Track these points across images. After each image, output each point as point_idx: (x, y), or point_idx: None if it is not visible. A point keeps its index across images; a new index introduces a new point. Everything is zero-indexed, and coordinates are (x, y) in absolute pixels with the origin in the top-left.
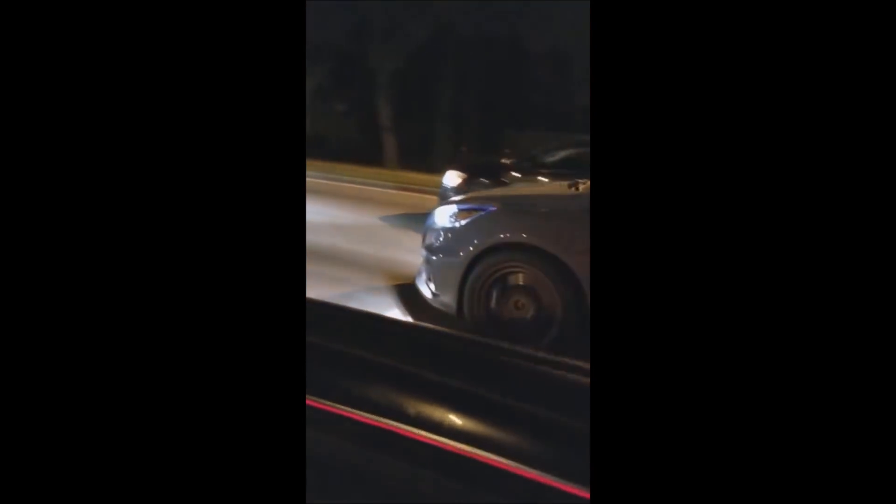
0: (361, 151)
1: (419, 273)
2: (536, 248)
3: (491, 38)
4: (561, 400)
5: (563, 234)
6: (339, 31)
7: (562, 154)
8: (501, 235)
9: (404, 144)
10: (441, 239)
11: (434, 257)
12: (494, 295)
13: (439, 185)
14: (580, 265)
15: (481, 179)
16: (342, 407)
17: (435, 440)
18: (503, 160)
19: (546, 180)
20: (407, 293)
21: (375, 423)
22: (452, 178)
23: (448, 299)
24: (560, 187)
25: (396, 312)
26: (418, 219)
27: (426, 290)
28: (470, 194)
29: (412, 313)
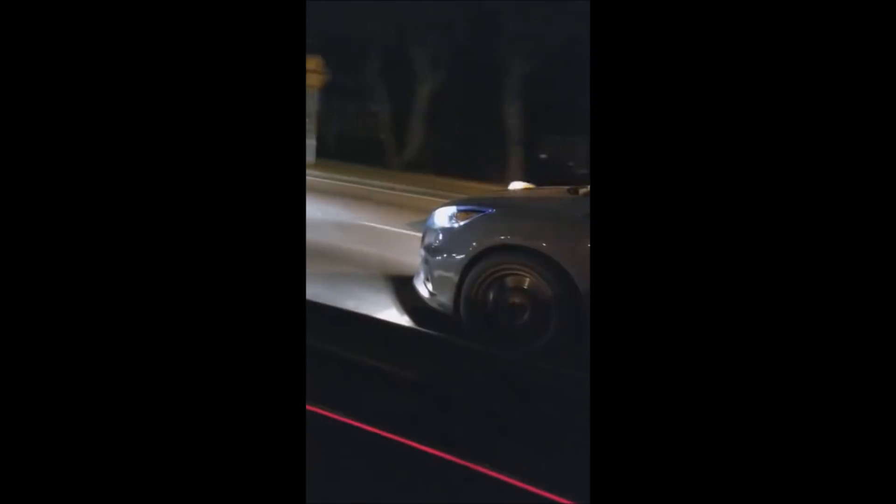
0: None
1: (417, 273)
2: (534, 250)
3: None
4: (560, 410)
5: (561, 238)
6: (387, 30)
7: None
8: (499, 237)
9: (456, 152)
10: (440, 239)
11: (432, 257)
12: (491, 296)
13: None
14: (577, 269)
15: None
16: (335, 412)
17: (429, 449)
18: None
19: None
20: (405, 292)
21: (366, 428)
22: (517, 187)
23: (445, 299)
24: (559, 191)
25: (393, 311)
26: None
27: (424, 289)
28: (470, 196)
29: (409, 313)
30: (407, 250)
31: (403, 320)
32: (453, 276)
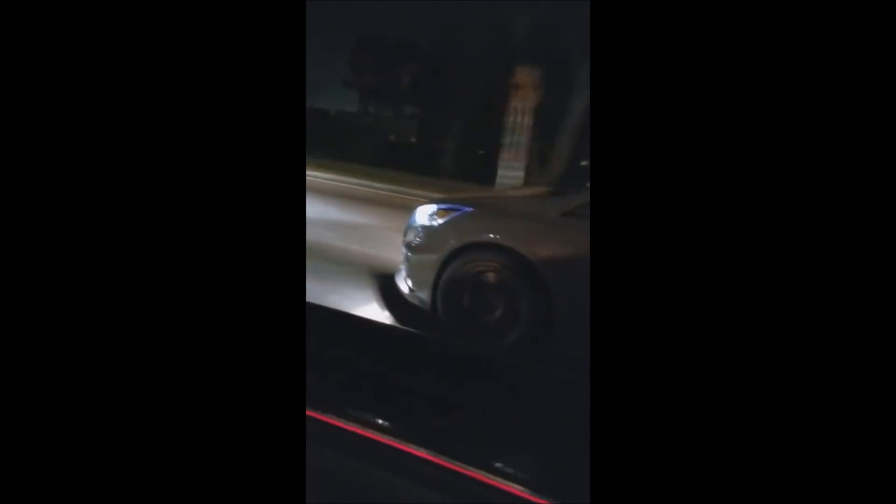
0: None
1: (399, 269)
2: (507, 248)
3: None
4: (558, 412)
5: (534, 237)
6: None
7: None
8: (476, 235)
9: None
10: (419, 237)
11: (412, 254)
12: (467, 292)
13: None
14: (548, 267)
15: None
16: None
17: (413, 449)
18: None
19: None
20: (387, 289)
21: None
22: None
23: (424, 295)
24: (537, 191)
25: (375, 307)
26: None
27: (404, 286)
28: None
29: (390, 309)
30: (393, 248)
31: (384, 315)
32: (431, 272)
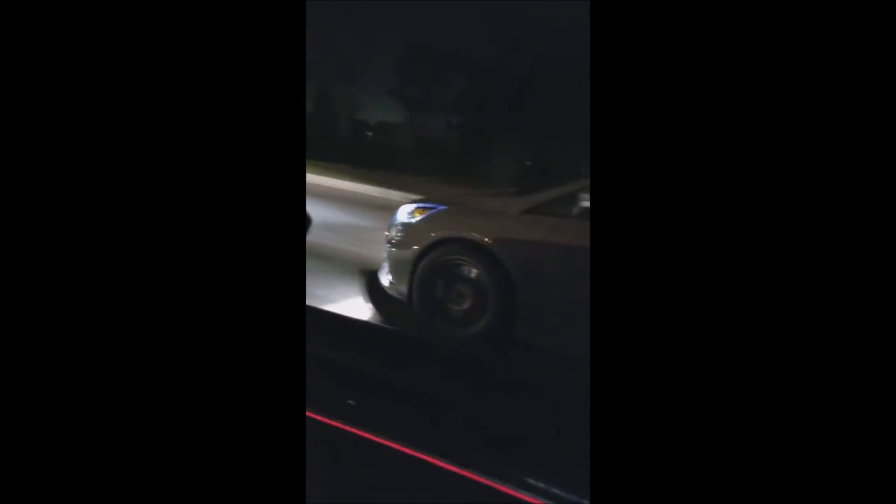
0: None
1: (382, 265)
2: (475, 242)
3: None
4: (557, 414)
5: (500, 232)
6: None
7: None
8: (448, 231)
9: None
10: (399, 233)
11: (393, 250)
12: (440, 284)
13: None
14: (511, 260)
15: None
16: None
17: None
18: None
19: None
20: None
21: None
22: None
23: (403, 288)
24: (503, 192)
25: (360, 300)
26: None
27: (385, 279)
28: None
29: (373, 302)
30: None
31: (367, 308)
32: (408, 266)
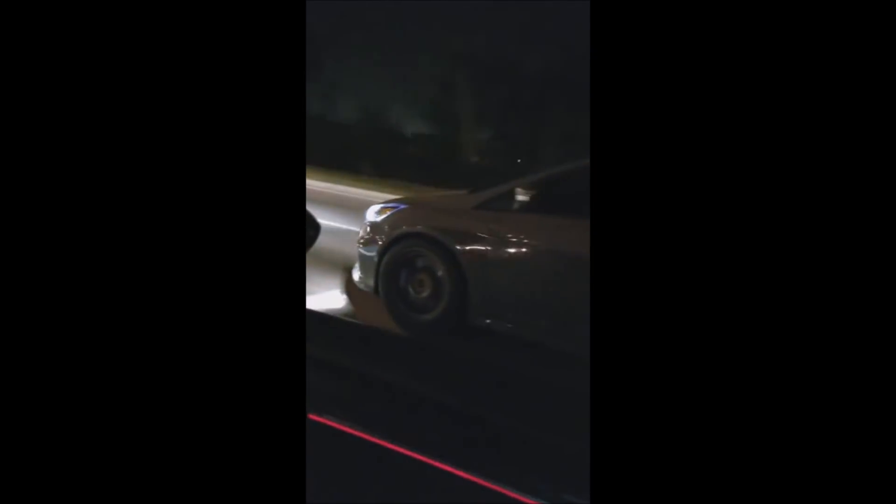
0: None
1: (355, 262)
2: (431, 236)
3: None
4: (557, 414)
5: (451, 226)
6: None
7: None
8: (408, 227)
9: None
10: (367, 231)
11: (362, 246)
12: (402, 275)
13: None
14: (462, 252)
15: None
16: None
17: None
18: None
19: None
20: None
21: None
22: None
23: (370, 281)
24: (459, 191)
25: (336, 294)
26: None
27: (356, 274)
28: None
29: (347, 296)
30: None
31: (341, 301)
32: (374, 260)
